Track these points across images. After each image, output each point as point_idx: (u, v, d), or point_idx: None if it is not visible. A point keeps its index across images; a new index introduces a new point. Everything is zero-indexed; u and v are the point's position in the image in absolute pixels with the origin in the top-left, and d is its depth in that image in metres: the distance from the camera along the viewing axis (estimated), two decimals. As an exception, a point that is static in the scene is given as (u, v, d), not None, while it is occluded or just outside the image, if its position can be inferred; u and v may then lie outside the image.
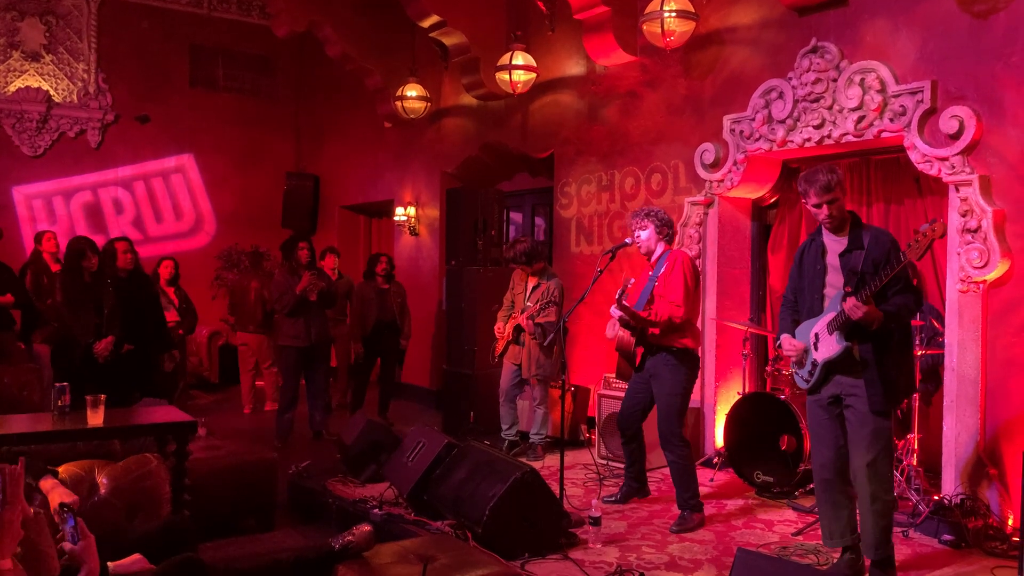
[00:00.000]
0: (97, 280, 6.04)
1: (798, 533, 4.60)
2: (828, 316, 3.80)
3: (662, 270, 4.79)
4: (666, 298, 4.71)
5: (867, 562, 3.91)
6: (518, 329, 6.37)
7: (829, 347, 3.79)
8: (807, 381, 3.93)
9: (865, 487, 3.78)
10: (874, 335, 3.71)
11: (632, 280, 4.73)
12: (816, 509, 4.74)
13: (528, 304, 6.31)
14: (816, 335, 3.86)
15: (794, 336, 3.98)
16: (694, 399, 6.35)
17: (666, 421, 4.77)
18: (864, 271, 3.70)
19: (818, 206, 3.81)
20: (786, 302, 4.14)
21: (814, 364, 3.87)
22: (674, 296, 4.69)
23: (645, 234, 4.84)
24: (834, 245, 3.88)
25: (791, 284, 4.11)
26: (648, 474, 5.32)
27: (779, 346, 4.09)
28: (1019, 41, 4.68)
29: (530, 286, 6.39)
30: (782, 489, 5.28)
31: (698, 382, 6.32)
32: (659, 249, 4.87)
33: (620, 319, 4.72)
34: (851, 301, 3.61)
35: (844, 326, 3.71)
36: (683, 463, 4.75)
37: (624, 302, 4.64)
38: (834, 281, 3.85)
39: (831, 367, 3.83)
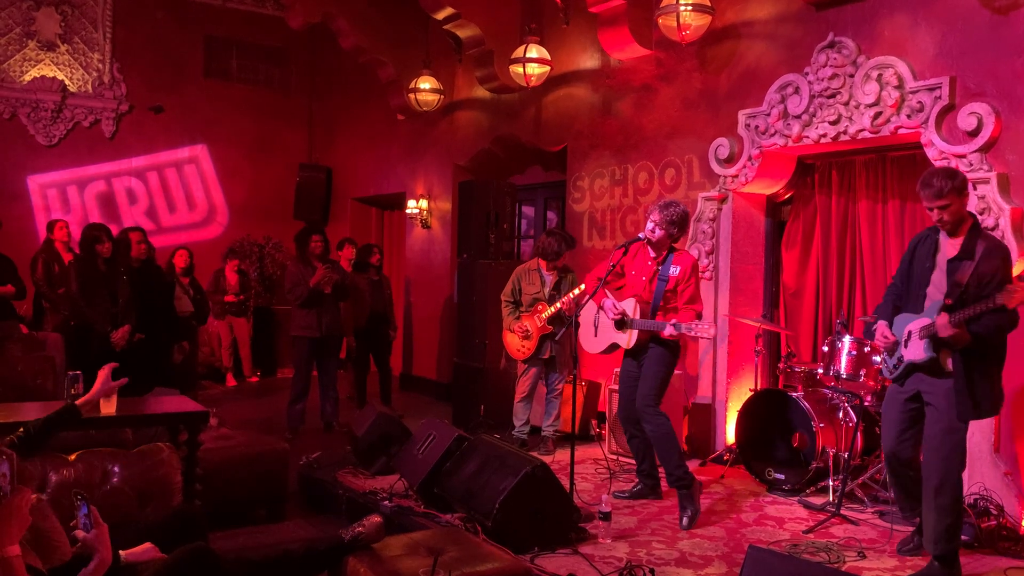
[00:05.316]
0: (112, 269, 6.06)
1: (809, 531, 4.58)
2: (923, 321, 3.84)
3: (673, 272, 4.89)
4: (691, 308, 4.86)
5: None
6: (555, 321, 6.18)
7: (917, 351, 3.86)
8: (891, 372, 4.05)
9: (931, 482, 3.84)
10: (964, 348, 3.74)
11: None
12: (828, 508, 4.84)
13: (554, 293, 6.33)
14: (909, 333, 3.92)
15: (891, 325, 4.03)
16: (705, 394, 6.39)
17: (644, 394, 4.84)
18: (968, 284, 3.71)
19: (931, 209, 3.85)
20: (892, 287, 4.17)
21: (900, 359, 3.96)
22: (695, 304, 4.91)
23: (659, 231, 4.90)
24: (947, 247, 3.89)
25: (901, 270, 4.13)
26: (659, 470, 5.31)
27: (873, 330, 4.13)
28: (1040, 37, 4.64)
29: (550, 280, 6.37)
30: (793, 486, 5.26)
31: (709, 378, 6.38)
32: (665, 247, 4.97)
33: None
34: (944, 318, 3.66)
35: (935, 336, 3.77)
36: (662, 431, 4.78)
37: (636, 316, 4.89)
38: (938, 282, 3.87)
39: (914, 367, 3.91)
